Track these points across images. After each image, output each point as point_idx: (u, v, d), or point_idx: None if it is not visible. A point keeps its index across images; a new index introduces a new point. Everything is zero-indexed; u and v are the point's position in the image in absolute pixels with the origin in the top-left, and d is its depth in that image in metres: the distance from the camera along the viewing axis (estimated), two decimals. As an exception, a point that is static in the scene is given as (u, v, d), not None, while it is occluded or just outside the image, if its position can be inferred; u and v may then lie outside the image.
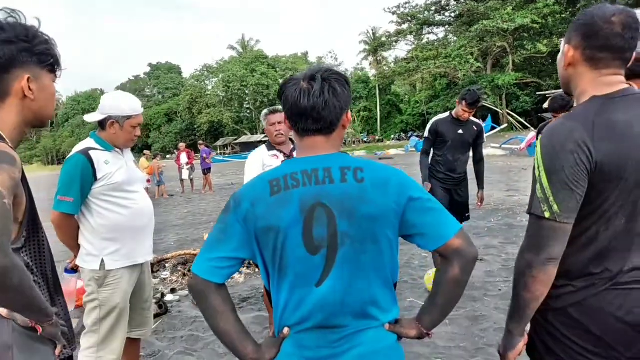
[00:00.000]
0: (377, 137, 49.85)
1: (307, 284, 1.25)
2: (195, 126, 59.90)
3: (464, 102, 4.30)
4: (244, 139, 56.45)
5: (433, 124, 4.50)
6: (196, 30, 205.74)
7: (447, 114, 4.57)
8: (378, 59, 56.47)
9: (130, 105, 2.49)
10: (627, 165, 1.20)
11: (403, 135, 48.07)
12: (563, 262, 1.27)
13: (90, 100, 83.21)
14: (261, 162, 3.39)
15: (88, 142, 2.49)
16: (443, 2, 41.92)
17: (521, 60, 38.73)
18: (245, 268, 5.28)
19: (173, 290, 4.79)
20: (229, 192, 14.97)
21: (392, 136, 49.43)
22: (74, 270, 2.56)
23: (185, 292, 4.66)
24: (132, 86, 74.77)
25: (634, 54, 1.32)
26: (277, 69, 59.19)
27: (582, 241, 1.27)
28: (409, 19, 42.73)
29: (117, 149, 2.54)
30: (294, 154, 3.49)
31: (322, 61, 61.31)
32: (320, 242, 1.23)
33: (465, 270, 1.25)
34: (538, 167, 1.26)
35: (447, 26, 43.74)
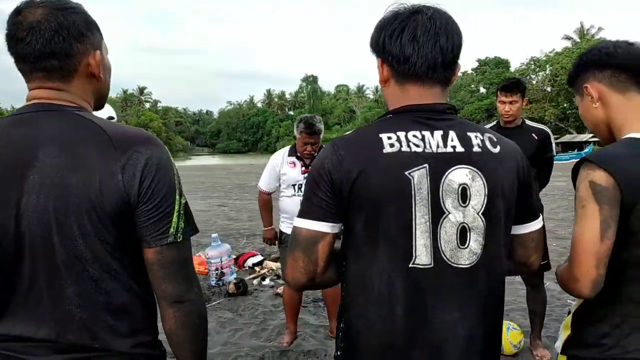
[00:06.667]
0: None
1: None
2: (514, 123, 56.65)
3: (498, 92, 3.17)
4: (566, 137, 50.75)
5: None
6: (531, 21, 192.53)
7: (494, 122, 3.43)
8: None
9: None
10: None
11: None
12: None
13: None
14: (279, 165, 3.48)
15: None
16: None
17: None
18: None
19: (264, 278, 5.44)
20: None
21: None
22: None
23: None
24: (458, 82, 76.63)
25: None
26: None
27: None
28: None
29: None
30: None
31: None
32: None
33: None
34: None
35: None
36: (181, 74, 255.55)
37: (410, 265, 1.08)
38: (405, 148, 1.08)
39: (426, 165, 1.07)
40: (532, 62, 59.75)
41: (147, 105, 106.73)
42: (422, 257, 1.08)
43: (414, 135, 1.10)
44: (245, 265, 5.88)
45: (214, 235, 5.41)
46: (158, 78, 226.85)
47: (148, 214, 1.03)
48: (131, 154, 1.01)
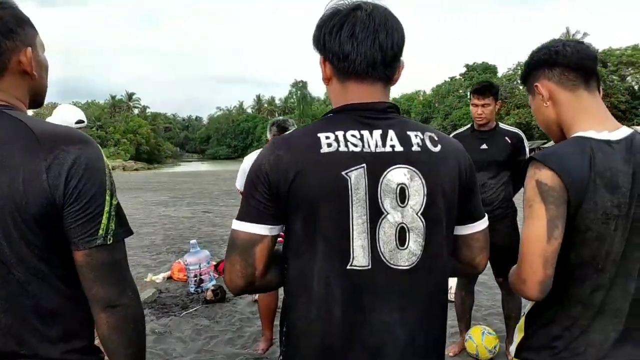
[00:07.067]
0: None
1: None
2: (502, 128, 57.17)
3: (471, 95, 3.18)
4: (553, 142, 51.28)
5: None
6: (517, 27, 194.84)
7: (468, 126, 3.42)
8: None
9: None
10: None
11: None
12: None
13: (409, 101, 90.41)
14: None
15: None
16: None
17: None
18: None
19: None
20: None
21: None
22: None
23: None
24: (447, 87, 77.38)
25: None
26: (609, 65, 50.62)
27: None
28: None
29: None
30: None
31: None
32: None
33: None
34: None
35: None
36: (171, 79, 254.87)
37: (348, 267, 1.06)
38: (342, 148, 1.06)
39: (364, 165, 1.05)
40: (519, 67, 60.34)
41: (136, 111, 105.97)
42: (360, 258, 1.05)
43: (353, 135, 1.07)
44: (225, 271, 5.81)
45: (192, 241, 5.34)
46: (147, 83, 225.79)
47: (75, 215, 0.99)
48: (58, 153, 0.98)
